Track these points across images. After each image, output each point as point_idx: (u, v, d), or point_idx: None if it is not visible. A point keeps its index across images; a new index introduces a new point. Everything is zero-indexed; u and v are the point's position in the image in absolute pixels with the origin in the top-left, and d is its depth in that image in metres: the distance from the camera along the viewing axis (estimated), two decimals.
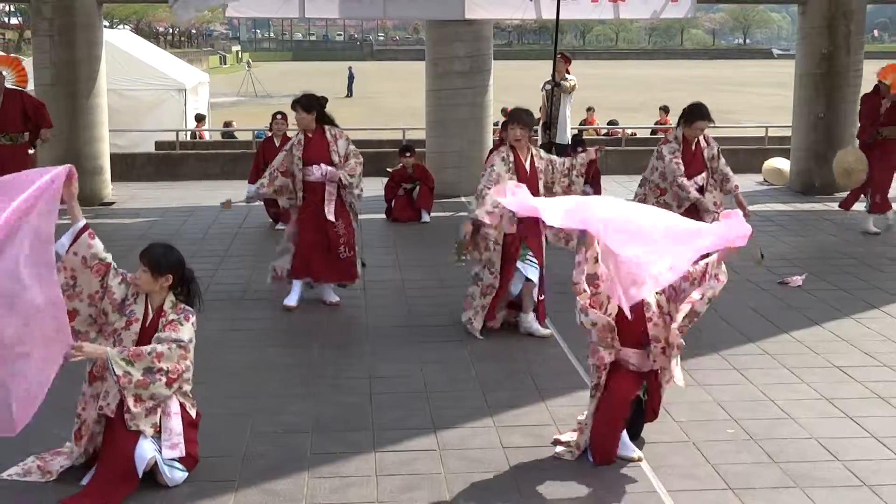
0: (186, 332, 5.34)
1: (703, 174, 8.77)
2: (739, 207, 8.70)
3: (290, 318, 8.55)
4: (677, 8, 15.13)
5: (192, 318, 5.42)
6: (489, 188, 7.47)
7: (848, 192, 12.67)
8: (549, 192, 7.85)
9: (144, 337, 5.30)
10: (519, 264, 7.80)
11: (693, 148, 8.73)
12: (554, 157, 8.27)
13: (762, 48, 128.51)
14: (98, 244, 5.29)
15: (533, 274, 7.81)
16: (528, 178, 7.67)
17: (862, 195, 12.28)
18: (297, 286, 8.81)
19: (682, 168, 8.62)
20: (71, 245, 5.21)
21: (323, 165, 8.59)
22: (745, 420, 6.19)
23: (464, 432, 6.02)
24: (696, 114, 8.64)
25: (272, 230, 12.34)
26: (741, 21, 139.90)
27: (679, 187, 8.61)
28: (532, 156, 7.87)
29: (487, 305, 7.91)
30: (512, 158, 7.79)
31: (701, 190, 8.74)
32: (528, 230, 7.75)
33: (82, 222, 5.26)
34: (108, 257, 5.33)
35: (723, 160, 8.85)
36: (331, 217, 8.63)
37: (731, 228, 5.41)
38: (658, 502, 5.14)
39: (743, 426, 6.10)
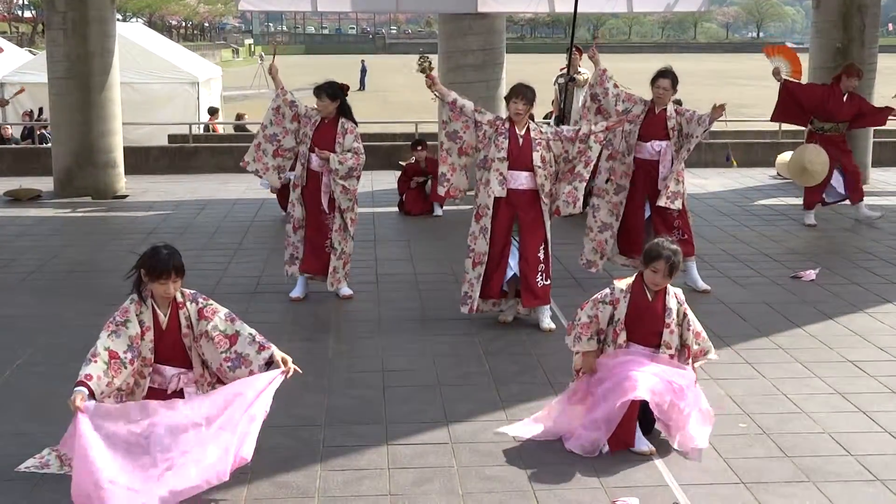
0: (220, 306, 5.44)
1: (664, 142, 8.91)
2: (714, 113, 8.70)
3: (303, 311, 8.57)
4: (691, 1, 15.09)
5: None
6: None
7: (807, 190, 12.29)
8: (568, 162, 7.84)
9: (162, 339, 5.32)
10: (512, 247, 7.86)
11: (657, 112, 8.97)
12: (561, 127, 8.28)
13: (776, 41, 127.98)
14: (101, 380, 5.08)
15: (514, 263, 7.87)
16: (521, 149, 7.76)
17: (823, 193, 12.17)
18: (300, 277, 8.90)
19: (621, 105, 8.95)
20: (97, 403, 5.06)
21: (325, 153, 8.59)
22: (758, 414, 6.18)
23: (476, 426, 6.03)
24: (657, 74, 9.01)
25: (285, 223, 12.34)
26: (755, 14, 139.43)
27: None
28: (529, 129, 7.84)
29: (482, 275, 7.90)
30: (507, 127, 7.82)
31: (657, 160, 8.91)
32: (521, 205, 7.81)
33: (85, 392, 5.02)
34: (103, 362, 5.12)
35: (697, 116, 8.91)
36: (326, 208, 8.64)
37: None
38: (670, 496, 5.13)
39: (755, 420, 6.09)
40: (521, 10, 16.12)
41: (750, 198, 14.11)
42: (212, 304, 5.41)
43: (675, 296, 5.79)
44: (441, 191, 8.06)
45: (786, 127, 19.02)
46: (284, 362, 5.29)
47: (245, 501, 5.09)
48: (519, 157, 7.76)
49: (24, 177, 15.64)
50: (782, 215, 12.82)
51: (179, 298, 5.37)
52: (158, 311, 5.34)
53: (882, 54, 15.67)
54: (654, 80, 9.02)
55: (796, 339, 7.72)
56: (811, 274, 9.60)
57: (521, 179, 7.78)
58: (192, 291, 5.46)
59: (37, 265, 10.24)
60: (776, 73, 11.79)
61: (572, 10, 12.68)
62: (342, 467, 5.46)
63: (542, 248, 7.87)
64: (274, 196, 12.84)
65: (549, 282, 7.93)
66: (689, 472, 5.39)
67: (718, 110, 8.64)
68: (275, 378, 5.25)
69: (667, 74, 8.97)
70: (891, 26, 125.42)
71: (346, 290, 8.89)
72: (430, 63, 8.10)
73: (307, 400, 6.43)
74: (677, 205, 8.93)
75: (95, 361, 5.10)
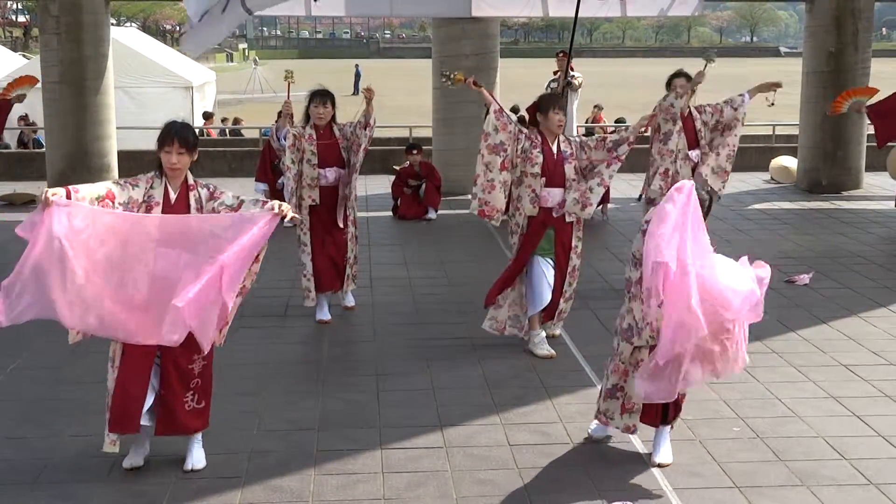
0: (228, 190, 5.51)
1: (697, 151, 8.89)
2: (760, 89, 8.91)
3: (298, 316, 8.54)
4: (684, 5, 15.11)
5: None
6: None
7: None
8: (592, 171, 7.32)
9: (170, 213, 5.37)
10: (541, 263, 7.36)
11: (686, 116, 8.91)
12: (584, 137, 8.00)
13: (769, 46, 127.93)
14: (83, 203, 5.04)
15: (551, 278, 7.37)
16: (556, 164, 7.26)
17: None
18: (321, 297, 8.45)
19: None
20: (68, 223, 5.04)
21: (336, 168, 8.28)
22: (752, 418, 6.19)
23: (470, 430, 6.03)
24: (672, 75, 9.03)
25: (281, 226, 12.33)
26: (748, 19, 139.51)
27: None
28: (559, 141, 7.34)
29: (523, 295, 7.50)
30: (540, 141, 7.30)
31: (694, 168, 8.87)
32: (556, 222, 7.32)
33: (62, 192, 5.01)
34: (98, 193, 5.14)
35: (718, 104, 9.03)
36: (341, 224, 8.34)
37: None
38: (664, 500, 5.14)
39: (749, 424, 6.10)
40: (515, 14, 16.16)
41: (744, 202, 14.12)
42: (221, 189, 5.52)
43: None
44: (474, 208, 7.35)
45: (779, 131, 19.09)
46: (279, 207, 5.27)
47: None
48: (553, 173, 7.27)
49: (18, 181, 15.61)
50: (776, 219, 12.84)
51: (191, 181, 5.49)
52: (169, 188, 5.45)
53: (875, 59, 15.70)
54: (668, 85, 8.94)
55: (790, 344, 7.73)
56: (805, 278, 9.61)
57: (556, 197, 7.27)
58: (206, 181, 5.58)
59: None
60: (858, 108, 11.60)
61: (566, 14, 12.72)
62: (336, 471, 5.46)
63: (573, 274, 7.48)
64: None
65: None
66: (683, 476, 5.40)
67: (772, 86, 8.76)
68: (263, 221, 5.26)
69: (679, 74, 9.00)
70: (884, 30, 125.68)
71: (351, 301, 8.75)
72: (453, 74, 7.95)
73: (301, 404, 6.43)
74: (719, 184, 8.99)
75: (91, 187, 5.15)
